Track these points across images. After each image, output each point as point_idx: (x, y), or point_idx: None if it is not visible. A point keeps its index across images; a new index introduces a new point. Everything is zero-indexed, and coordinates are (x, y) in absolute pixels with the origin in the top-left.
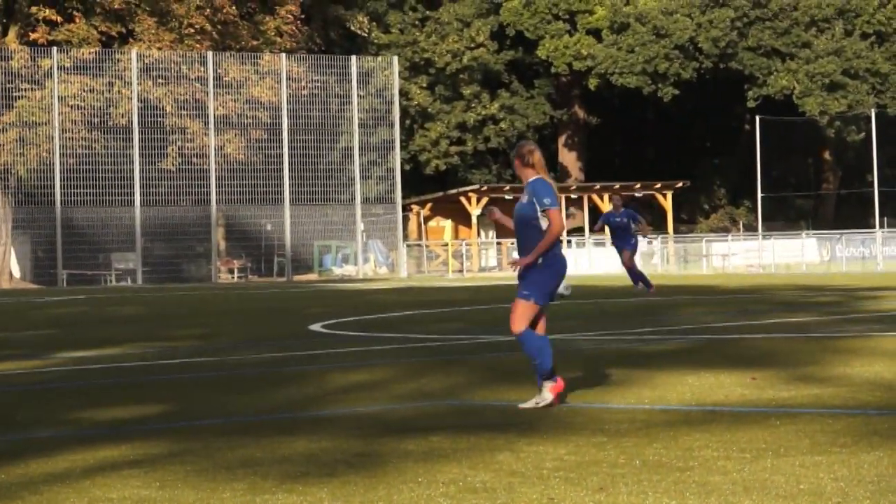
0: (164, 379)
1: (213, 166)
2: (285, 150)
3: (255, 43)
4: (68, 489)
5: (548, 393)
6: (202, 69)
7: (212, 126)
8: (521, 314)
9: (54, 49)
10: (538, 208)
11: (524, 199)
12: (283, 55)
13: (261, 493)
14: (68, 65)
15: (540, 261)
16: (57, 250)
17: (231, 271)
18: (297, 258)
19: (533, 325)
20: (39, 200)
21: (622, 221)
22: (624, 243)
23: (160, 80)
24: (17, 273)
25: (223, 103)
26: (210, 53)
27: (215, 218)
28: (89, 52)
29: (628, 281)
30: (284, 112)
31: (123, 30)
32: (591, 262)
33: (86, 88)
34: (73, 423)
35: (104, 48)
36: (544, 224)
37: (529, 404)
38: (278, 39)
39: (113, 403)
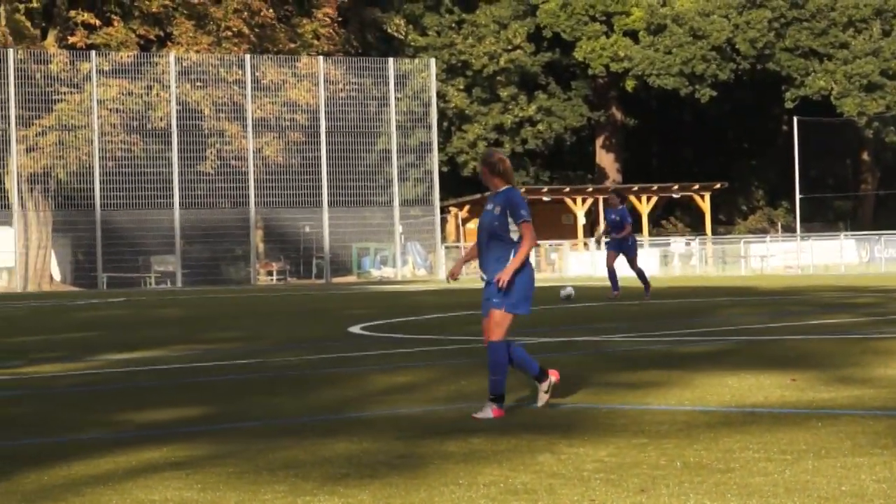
0: (205, 381)
1: (251, 169)
2: (323, 152)
3: (292, 46)
4: (111, 491)
5: (489, 411)
6: (240, 72)
7: (250, 129)
8: (499, 324)
9: (93, 53)
10: (511, 220)
11: (494, 209)
12: (321, 58)
13: (302, 494)
14: (107, 68)
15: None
16: (97, 253)
17: (270, 274)
18: (335, 260)
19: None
20: (79, 203)
21: (615, 219)
22: (617, 243)
23: (198, 83)
24: (57, 276)
25: (261, 106)
26: (248, 56)
27: (254, 220)
28: (128, 56)
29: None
30: (322, 114)
31: (161, 33)
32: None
33: (124, 92)
34: (115, 426)
35: (142, 51)
36: (516, 235)
37: (480, 414)
38: (315, 42)
39: (154, 405)
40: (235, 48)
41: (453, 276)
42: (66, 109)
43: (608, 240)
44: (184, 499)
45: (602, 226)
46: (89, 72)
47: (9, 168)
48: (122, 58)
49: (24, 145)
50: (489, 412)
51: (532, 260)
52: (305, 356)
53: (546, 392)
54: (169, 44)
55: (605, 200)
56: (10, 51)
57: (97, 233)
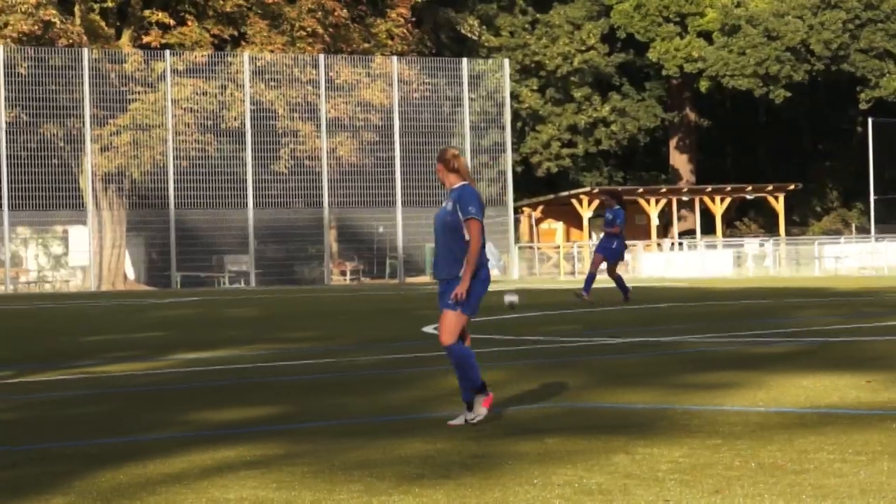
0: (280, 380)
1: (325, 169)
2: (397, 152)
3: (366, 46)
4: (186, 490)
5: (481, 408)
6: (314, 72)
7: (324, 128)
8: (450, 325)
9: (167, 52)
10: (461, 217)
11: (447, 205)
12: (395, 58)
13: (377, 494)
14: (181, 68)
15: (462, 271)
16: (171, 252)
17: (343, 273)
18: (409, 260)
19: (462, 338)
20: (153, 203)
21: (609, 218)
22: (605, 244)
23: (272, 83)
24: (131, 275)
25: (335, 106)
26: (322, 56)
27: (328, 220)
28: (202, 55)
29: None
30: (396, 114)
31: (235, 33)
32: (703, 264)
33: (198, 91)
34: (190, 425)
35: (216, 51)
36: (468, 233)
37: (458, 421)
38: (389, 42)
39: (228, 405)
40: (309, 48)
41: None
42: (140, 109)
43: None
44: (259, 498)
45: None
46: (163, 71)
47: (83, 167)
48: (196, 57)
49: (99, 145)
50: (481, 409)
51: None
52: (379, 356)
53: (470, 420)
54: (243, 43)
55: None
56: (85, 50)
57: (171, 232)
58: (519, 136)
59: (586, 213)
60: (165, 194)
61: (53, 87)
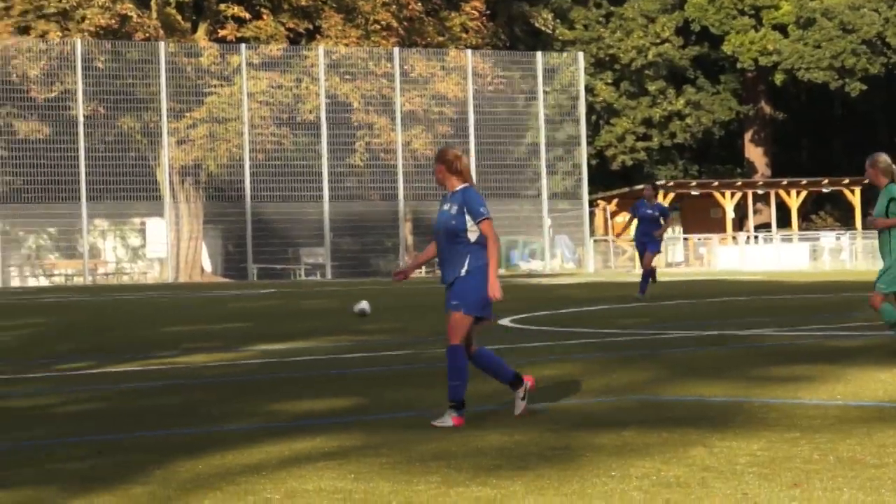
0: (357, 372)
1: (400, 161)
2: (472, 145)
3: (440, 39)
4: (265, 480)
5: (449, 419)
6: (389, 65)
7: (398, 122)
8: (457, 326)
9: (242, 46)
10: (469, 219)
11: (451, 208)
12: (469, 51)
13: (455, 485)
14: (256, 61)
15: (465, 271)
16: (247, 245)
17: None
18: None
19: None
20: (230, 195)
21: (653, 214)
22: (650, 240)
23: (347, 76)
24: (208, 267)
25: (410, 99)
26: (396, 49)
27: (403, 213)
28: (277, 49)
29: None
30: (470, 108)
31: (310, 26)
32: (779, 257)
33: (274, 84)
34: (268, 416)
35: (292, 45)
36: (473, 236)
37: (438, 421)
38: (464, 35)
39: (305, 396)
40: (384, 41)
41: (402, 276)
42: (216, 102)
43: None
44: (337, 488)
45: (625, 222)
46: (239, 65)
47: (160, 160)
48: (271, 51)
49: (176, 138)
50: (448, 420)
51: (679, 254)
52: None
53: (522, 399)
54: (318, 37)
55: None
56: (162, 44)
57: (247, 224)
58: (594, 130)
59: None
60: (242, 187)
61: (130, 81)
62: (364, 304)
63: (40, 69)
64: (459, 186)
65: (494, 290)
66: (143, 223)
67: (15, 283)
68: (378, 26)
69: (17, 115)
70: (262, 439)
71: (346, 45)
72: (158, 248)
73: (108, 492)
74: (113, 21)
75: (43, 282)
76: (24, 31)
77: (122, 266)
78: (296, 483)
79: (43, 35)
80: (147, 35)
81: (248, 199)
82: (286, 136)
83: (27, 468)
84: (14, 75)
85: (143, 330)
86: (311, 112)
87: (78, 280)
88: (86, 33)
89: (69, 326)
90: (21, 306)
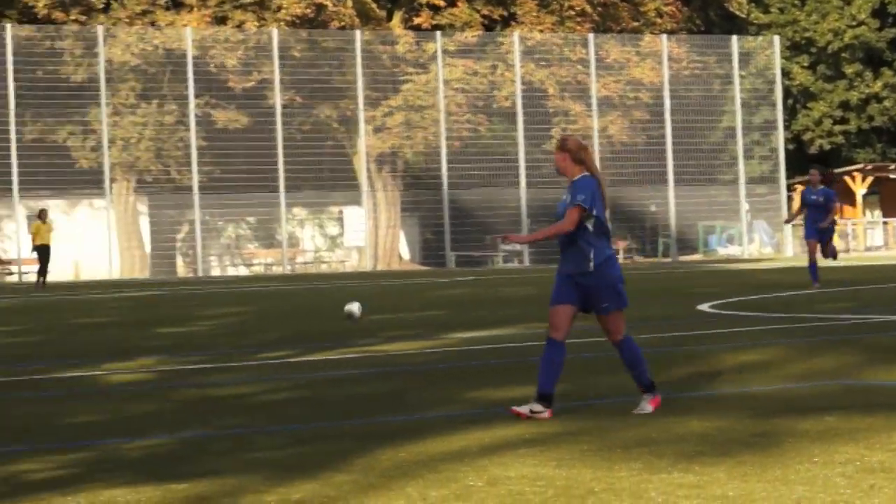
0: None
1: (596, 147)
2: (668, 130)
3: (635, 24)
4: (466, 467)
5: (647, 405)
6: (584, 51)
7: (594, 107)
8: (615, 323)
9: (438, 33)
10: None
11: (566, 198)
12: (664, 36)
13: (657, 472)
14: (452, 48)
15: (592, 267)
16: (445, 232)
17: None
18: (681, 238)
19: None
20: (426, 183)
21: (817, 200)
22: (816, 228)
23: (542, 63)
24: (406, 255)
25: (605, 85)
26: (591, 35)
27: None
28: (472, 36)
29: None
30: (666, 93)
31: (505, 13)
32: None
33: (469, 72)
34: (468, 403)
35: (486, 31)
36: (590, 225)
37: (638, 409)
38: (658, 20)
39: (505, 383)
40: (579, 27)
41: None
42: (412, 90)
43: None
44: (539, 475)
45: (795, 208)
46: (434, 52)
47: (357, 149)
48: (466, 38)
49: (372, 126)
50: (647, 406)
51: (879, 238)
52: (655, 334)
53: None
54: (512, 23)
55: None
56: (357, 32)
57: (445, 212)
58: (790, 114)
59: (860, 189)
60: (438, 174)
61: (327, 70)
62: (353, 306)
63: (237, 59)
64: (579, 175)
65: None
66: (340, 212)
67: (215, 272)
68: (573, 12)
69: (214, 105)
70: (462, 426)
71: (541, 31)
72: (356, 236)
73: (311, 480)
74: (309, 10)
75: (242, 271)
76: (221, 21)
77: (320, 255)
78: (497, 470)
79: (240, 25)
80: (343, 24)
81: (444, 186)
82: (482, 123)
83: (230, 457)
84: (212, 65)
85: (342, 318)
86: (506, 99)
87: (277, 269)
88: (282, 23)
89: (269, 315)
90: (221, 295)
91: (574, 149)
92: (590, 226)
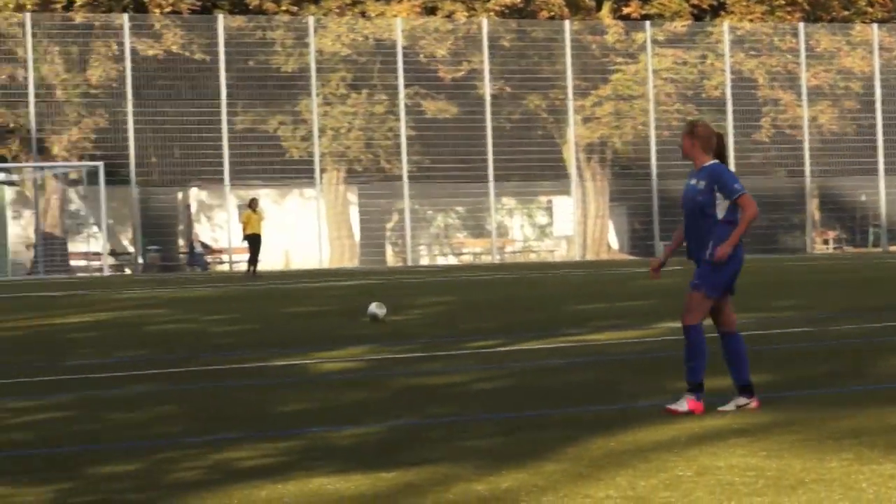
0: (764, 349)
1: (806, 137)
2: (878, 120)
3: (845, 13)
4: (676, 457)
5: (685, 403)
6: (794, 40)
7: (804, 97)
8: (694, 306)
9: (647, 23)
10: (720, 196)
11: (698, 183)
12: (875, 25)
13: (867, 462)
14: (661, 38)
15: (709, 253)
16: (654, 222)
17: (826, 242)
18: (892, 229)
19: (717, 317)
20: (635, 173)
21: None
22: None
23: (752, 52)
24: (615, 245)
25: (815, 74)
26: (801, 25)
27: (809, 189)
28: (682, 25)
29: None
30: (877, 82)
31: (715, 2)
32: None
33: (679, 61)
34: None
35: (696, 21)
36: (721, 213)
37: (674, 405)
38: (869, 10)
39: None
40: (789, 17)
41: (654, 269)
42: (621, 80)
43: None
44: (749, 465)
45: None
46: (644, 42)
47: (567, 138)
48: (676, 28)
49: (581, 116)
50: (684, 404)
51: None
52: (864, 324)
53: (738, 407)
54: (722, 13)
55: None
56: (567, 23)
57: (654, 202)
58: None
59: None
60: (647, 164)
61: (536, 60)
62: (374, 307)
63: (447, 49)
64: (709, 162)
65: (721, 250)
66: (549, 201)
67: (424, 261)
68: (783, 1)
69: (424, 95)
70: (672, 416)
71: (751, 20)
72: (566, 226)
73: (520, 469)
74: (518, 0)
75: (451, 260)
76: (430, 11)
77: (529, 244)
78: (707, 460)
79: (449, 15)
80: (552, 14)
81: (654, 176)
82: (691, 112)
83: (440, 445)
84: (421, 56)
85: (551, 308)
86: (715, 88)
87: (486, 258)
88: (491, 13)
89: (478, 305)
90: (430, 285)
91: (707, 136)
92: (720, 213)
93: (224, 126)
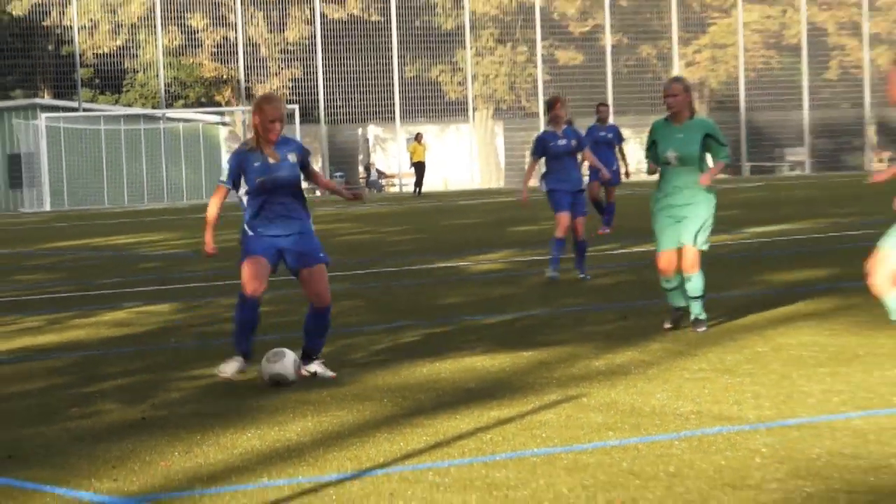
0: (830, 249)
1: (867, 76)
2: None
3: None
4: (756, 337)
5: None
6: None
7: (866, 43)
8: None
9: None
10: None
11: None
12: None
13: None
14: None
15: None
16: (741, 147)
17: (881, 160)
18: None
19: None
20: (728, 107)
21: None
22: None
23: (824, 6)
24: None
25: (876, 24)
26: None
27: (867, 117)
28: None
29: None
30: None
31: None
32: None
33: (764, 15)
34: (761, 284)
35: None
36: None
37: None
38: None
39: (789, 268)
40: None
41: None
42: (717, 31)
43: None
44: (815, 342)
45: None
46: (736, 0)
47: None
48: None
49: (684, 61)
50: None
51: None
52: None
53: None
54: None
55: None
56: None
57: (741, 130)
58: None
59: None
60: (737, 99)
61: (647, 15)
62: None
63: (576, 8)
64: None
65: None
66: None
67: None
68: None
69: (557, 46)
70: (756, 305)
71: None
72: None
73: (631, 348)
74: None
75: None
76: None
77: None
78: (781, 339)
79: None
80: None
81: (742, 109)
82: (773, 56)
83: (566, 330)
84: (555, 14)
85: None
86: (793, 37)
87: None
88: None
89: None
90: None
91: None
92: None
93: (395, 74)
